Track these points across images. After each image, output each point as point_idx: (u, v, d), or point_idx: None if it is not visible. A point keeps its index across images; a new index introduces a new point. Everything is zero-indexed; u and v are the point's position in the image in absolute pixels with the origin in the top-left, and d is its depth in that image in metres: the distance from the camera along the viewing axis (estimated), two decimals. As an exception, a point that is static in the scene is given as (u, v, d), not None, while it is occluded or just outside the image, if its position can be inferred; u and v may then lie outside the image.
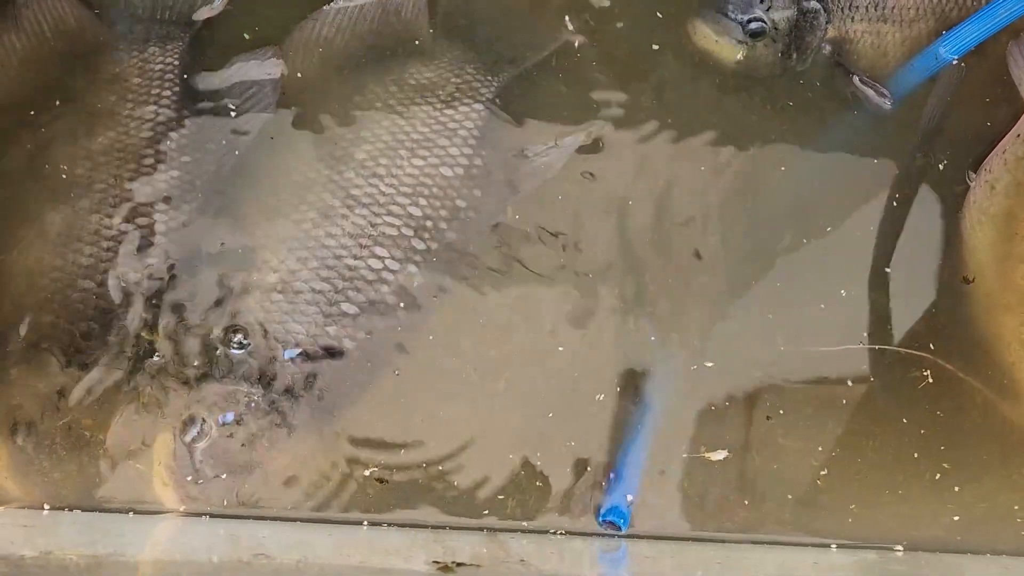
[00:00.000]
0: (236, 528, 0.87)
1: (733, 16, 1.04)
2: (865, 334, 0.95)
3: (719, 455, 0.88)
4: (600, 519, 0.86)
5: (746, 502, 0.90)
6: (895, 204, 1.03)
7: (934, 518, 0.89)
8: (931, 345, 0.96)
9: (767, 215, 1.03)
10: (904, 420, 0.92)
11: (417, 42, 1.04)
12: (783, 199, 1.03)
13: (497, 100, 1.02)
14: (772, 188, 1.03)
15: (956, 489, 0.90)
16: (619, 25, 1.08)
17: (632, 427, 0.91)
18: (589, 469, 0.90)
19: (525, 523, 0.88)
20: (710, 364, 0.94)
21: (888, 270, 1.00)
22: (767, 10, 1.03)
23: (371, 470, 0.87)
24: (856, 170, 1.06)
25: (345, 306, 0.89)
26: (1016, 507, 0.90)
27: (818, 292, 0.97)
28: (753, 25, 1.03)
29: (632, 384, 0.93)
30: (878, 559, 0.88)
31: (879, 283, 0.99)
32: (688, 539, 0.90)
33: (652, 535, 0.89)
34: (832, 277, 0.98)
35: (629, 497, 0.89)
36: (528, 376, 0.93)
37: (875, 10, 1.05)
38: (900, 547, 0.86)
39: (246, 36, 1.02)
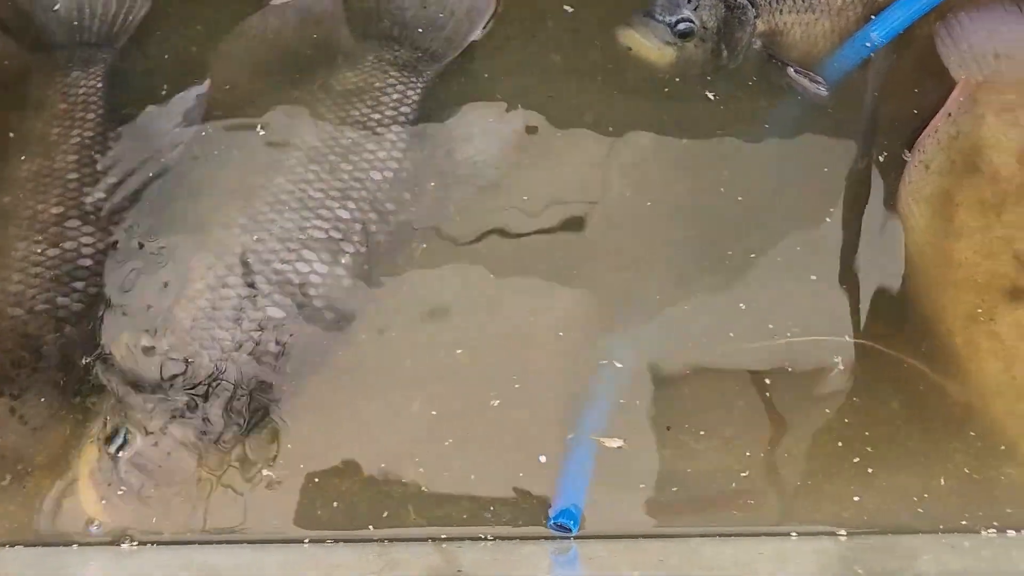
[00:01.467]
0: (184, 554, 0.83)
1: (661, 18, 1.04)
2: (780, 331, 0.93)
3: (615, 443, 0.86)
4: (550, 522, 0.83)
5: (697, 496, 0.87)
6: (833, 191, 1.02)
7: (873, 502, 0.86)
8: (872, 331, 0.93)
9: (706, 214, 1.01)
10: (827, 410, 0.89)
11: (340, 47, 1.03)
12: (725, 198, 1.01)
13: (424, 100, 1.01)
14: (713, 186, 1.02)
15: (889, 472, 0.87)
16: (549, 24, 1.06)
17: (579, 427, 0.88)
18: (537, 472, 0.87)
19: (474, 531, 0.85)
20: (649, 362, 0.91)
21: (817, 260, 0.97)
22: (695, 9, 1.03)
23: (303, 481, 0.84)
24: (797, 159, 1.06)
25: (272, 310, 0.87)
26: (967, 470, 0.87)
27: (749, 286, 0.95)
28: (681, 26, 1.03)
29: (578, 384, 0.90)
30: (834, 545, 0.86)
31: (822, 273, 0.97)
32: (642, 536, 0.87)
33: (605, 535, 0.86)
34: (763, 272, 0.96)
35: (578, 499, 0.86)
36: (467, 378, 0.90)
37: (803, 1, 1.06)
38: (843, 532, 0.83)
39: (166, 56, 1.01)
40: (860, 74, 1.08)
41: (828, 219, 0.99)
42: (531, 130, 1.02)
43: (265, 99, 1.01)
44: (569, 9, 1.10)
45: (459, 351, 0.90)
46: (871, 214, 1.01)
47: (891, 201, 1.01)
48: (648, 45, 1.03)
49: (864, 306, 0.95)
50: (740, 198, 0.99)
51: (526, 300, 0.93)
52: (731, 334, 0.91)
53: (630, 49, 1.05)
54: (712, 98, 1.05)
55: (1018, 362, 0.96)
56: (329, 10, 1.06)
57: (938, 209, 1.02)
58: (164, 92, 1.01)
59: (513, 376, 0.90)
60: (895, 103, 1.06)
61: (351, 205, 0.93)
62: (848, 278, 0.96)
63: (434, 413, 0.87)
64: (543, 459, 0.87)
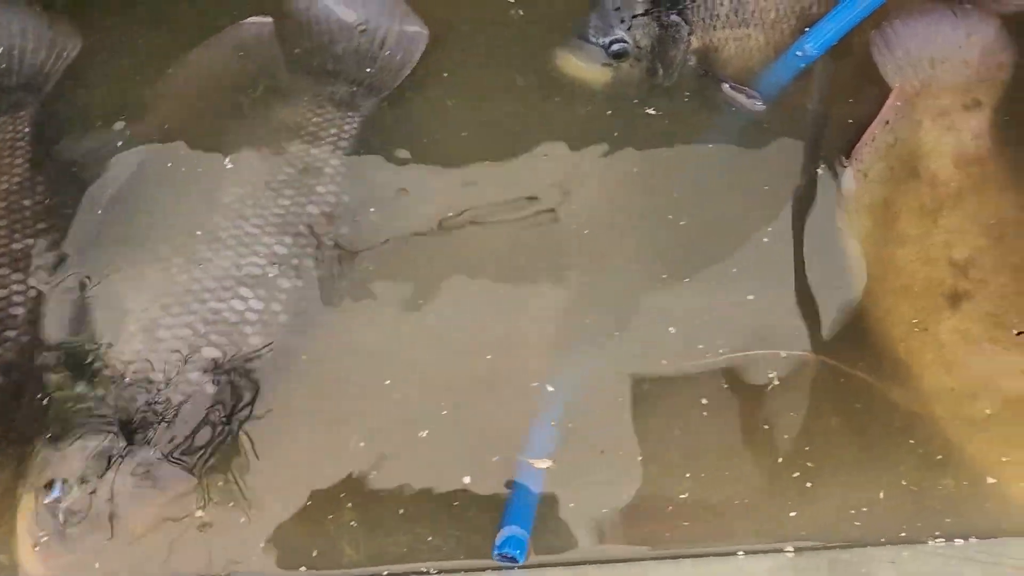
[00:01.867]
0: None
1: (595, 40, 1.04)
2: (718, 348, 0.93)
3: (543, 464, 0.86)
4: (496, 552, 0.83)
5: (642, 519, 0.86)
6: (774, 204, 1.02)
7: (814, 517, 0.86)
8: (815, 344, 0.93)
9: (650, 235, 1.01)
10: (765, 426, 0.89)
11: (276, 83, 1.03)
12: (666, 219, 1.01)
13: (362, 132, 1.01)
14: (655, 207, 1.02)
15: (830, 486, 0.87)
16: (489, 47, 1.07)
17: (525, 452, 0.88)
18: (480, 500, 0.86)
19: (415, 566, 0.84)
20: (586, 386, 0.91)
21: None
22: (628, 30, 1.04)
23: (244, 519, 0.84)
24: (738, 175, 1.06)
25: (207, 350, 0.87)
26: (905, 482, 0.87)
27: (685, 307, 0.95)
28: (615, 47, 1.03)
29: (519, 409, 0.89)
30: (789, 561, 0.85)
31: (761, 290, 0.96)
32: (591, 562, 0.86)
33: (551, 563, 0.85)
34: (701, 292, 0.96)
35: (526, 527, 0.85)
36: (409, 409, 0.90)
37: (736, 16, 1.06)
38: (790, 549, 0.83)
39: (98, 96, 1.01)
40: (799, 86, 1.07)
41: (768, 234, 0.98)
42: (473, 154, 1.00)
43: (201, 137, 1.00)
44: (508, 33, 1.09)
45: (388, 382, 0.89)
46: (812, 226, 1.00)
47: (831, 212, 1.01)
48: (584, 67, 1.04)
49: (806, 319, 0.95)
50: (682, 222, 0.99)
51: (461, 329, 0.92)
52: (663, 361, 0.89)
53: (567, 72, 1.04)
54: (653, 114, 1.05)
55: (958, 367, 0.95)
56: (265, 47, 1.06)
57: (878, 217, 1.02)
58: (96, 133, 1.00)
59: (445, 406, 0.89)
60: (833, 113, 1.07)
61: (288, 240, 0.93)
62: (788, 292, 0.95)
63: (362, 445, 0.86)
64: (487, 484, 0.85)
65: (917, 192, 1.02)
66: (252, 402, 0.87)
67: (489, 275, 0.95)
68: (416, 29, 1.06)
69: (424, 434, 0.87)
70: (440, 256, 0.96)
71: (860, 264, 1.00)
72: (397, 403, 0.88)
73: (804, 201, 1.02)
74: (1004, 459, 0.93)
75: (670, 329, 0.91)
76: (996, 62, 1.07)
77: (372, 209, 0.98)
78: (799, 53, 1.04)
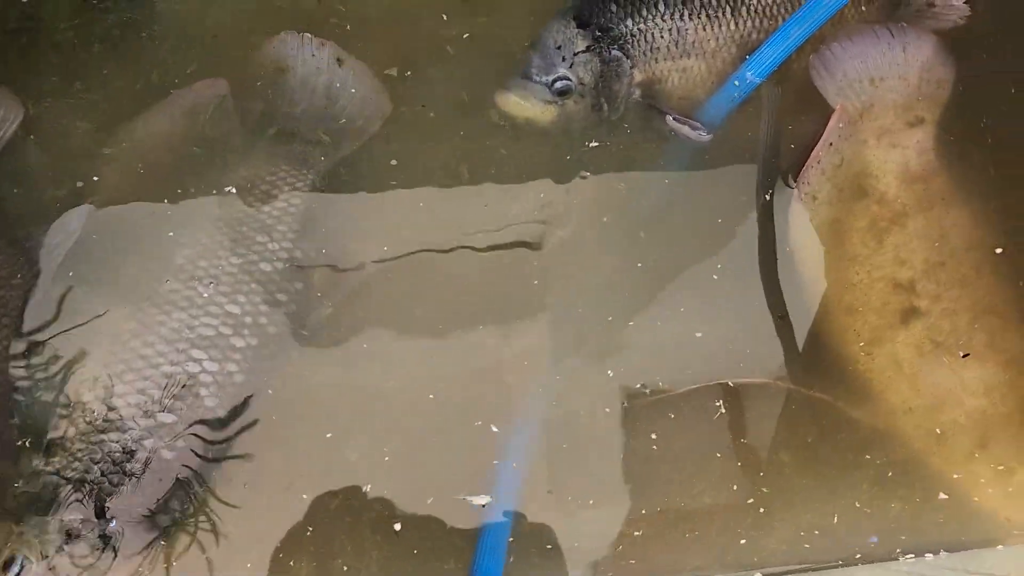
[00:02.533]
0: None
1: (538, 79, 1.05)
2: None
3: (481, 499, 0.85)
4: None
5: (598, 557, 0.86)
6: (726, 230, 1.02)
7: (771, 542, 0.86)
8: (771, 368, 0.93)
9: (607, 271, 1.01)
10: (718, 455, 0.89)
11: (230, 142, 1.03)
12: (621, 255, 1.01)
13: (318, 189, 1.01)
14: (610, 244, 1.03)
15: (784, 510, 0.87)
16: (430, 114, 1.07)
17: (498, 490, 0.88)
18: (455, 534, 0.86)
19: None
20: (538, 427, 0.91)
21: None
22: (570, 67, 1.04)
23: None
24: (689, 204, 1.06)
25: (162, 416, 0.86)
26: (858, 504, 0.86)
27: (637, 341, 0.96)
28: (559, 84, 1.04)
29: (483, 454, 0.90)
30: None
31: (712, 319, 0.97)
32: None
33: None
34: (653, 326, 0.97)
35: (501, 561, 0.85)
36: (368, 463, 0.90)
37: (676, 48, 1.07)
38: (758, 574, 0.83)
39: (46, 163, 1.01)
40: (744, 113, 1.08)
41: (720, 264, 0.98)
42: (426, 199, 1.01)
43: (153, 200, 1.01)
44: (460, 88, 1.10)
45: (329, 434, 0.89)
46: (763, 251, 1.00)
47: (782, 235, 1.01)
48: (528, 106, 1.04)
49: (761, 345, 0.95)
50: (637, 258, 0.99)
51: (410, 378, 0.92)
52: (609, 402, 0.89)
53: (511, 112, 1.05)
54: (599, 148, 1.05)
55: (921, 379, 0.96)
56: (218, 108, 1.06)
57: (830, 238, 1.03)
58: (44, 200, 1.00)
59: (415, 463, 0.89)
60: (779, 138, 1.07)
61: (241, 299, 0.93)
62: (742, 320, 0.95)
63: (304, 496, 0.85)
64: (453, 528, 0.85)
65: (866, 211, 1.03)
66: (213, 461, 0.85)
67: (443, 318, 0.94)
68: (379, 97, 1.06)
69: (380, 480, 0.85)
70: (393, 302, 0.95)
71: (814, 286, 1.00)
72: (352, 453, 0.87)
73: (755, 227, 1.02)
74: (970, 470, 0.92)
75: (612, 370, 0.91)
76: (936, 78, 1.08)
77: (326, 262, 0.97)
78: (736, 83, 1.05)
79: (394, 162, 1.05)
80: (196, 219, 0.99)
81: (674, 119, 1.06)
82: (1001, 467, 0.93)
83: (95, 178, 1.01)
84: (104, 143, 1.04)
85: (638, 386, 0.91)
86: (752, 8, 1.07)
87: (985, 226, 1.02)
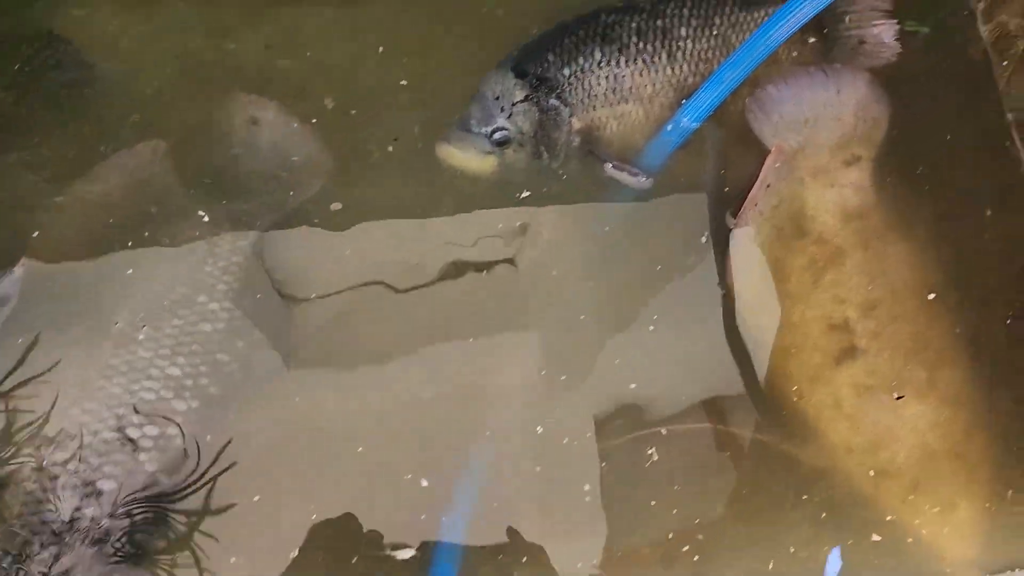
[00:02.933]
0: None
1: (477, 130, 1.06)
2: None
3: (406, 554, 0.86)
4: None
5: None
6: (667, 275, 1.03)
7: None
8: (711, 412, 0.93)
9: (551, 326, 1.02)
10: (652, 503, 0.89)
11: (170, 203, 1.04)
12: (562, 299, 1.02)
13: (259, 248, 1.02)
14: (549, 288, 1.03)
15: (722, 558, 0.87)
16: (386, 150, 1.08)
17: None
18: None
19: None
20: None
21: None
22: (508, 117, 1.05)
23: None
24: (631, 252, 1.06)
25: (102, 483, 0.86)
26: (793, 549, 0.87)
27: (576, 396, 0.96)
28: (497, 135, 1.05)
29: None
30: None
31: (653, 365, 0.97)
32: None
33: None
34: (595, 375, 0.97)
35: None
36: (298, 522, 0.89)
37: (613, 94, 1.08)
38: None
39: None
40: (683, 157, 1.09)
41: (658, 309, 0.99)
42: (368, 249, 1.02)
43: (92, 263, 1.01)
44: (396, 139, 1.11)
45: (257, 498, 0.88)
46: (703, 294, 1.01)
47: (722, 277, 1.02)
48: (467, 157, 1.05)
49: (702, 389, 0.95)
50: (576, 307, 0.99)
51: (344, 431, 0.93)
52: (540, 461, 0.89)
53: (451, 162, 1.05)
54: (534, 197, 1.06)
55: (860, 418, 0.96)
56: (156, 170, 1.07)
57: (772, 277, 1.04)
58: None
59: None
60: (717, 180, 1.08)
61: (181, 361, 0.93)
62: (683, 365, 0.96)
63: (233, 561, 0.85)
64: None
65: (805, 250, 1.04)
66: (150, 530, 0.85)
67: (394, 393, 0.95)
68: (321, 154, 1.07)
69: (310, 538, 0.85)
70: (337, 358, 0.96)
71: (755, 327, 1.00)
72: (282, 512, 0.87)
73: (695, 271, 1.02)
74: (910, 507, 0.93)
75: (543, 425, 0.91)
76: (871, 117, 1.10)
77: (269, 324, 0.97)
78: (668, 128, 1.06)
79: (338, 205, 1.05)
80: (137, 280, 0.99)
81: (613, 166, 1.06)
82: (940, 505, 0.93)
83: (32, 244, 1.00)
84: (42, 203, 1.03)
85: (565, 440, 0.91)
86: (688, 53, 1.09)
87: (923, 264, 1.03)
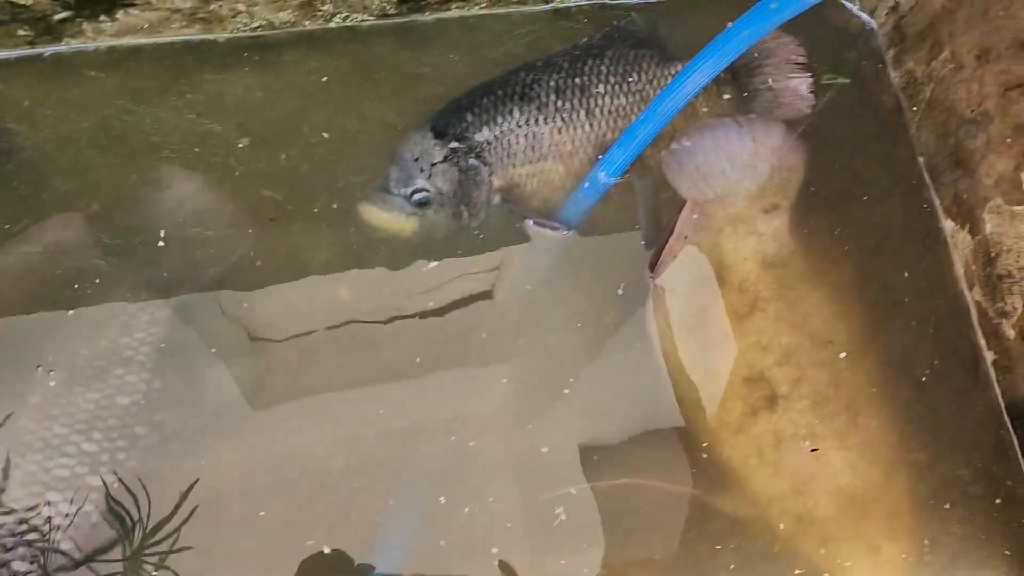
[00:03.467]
0: None
1: (397, 192, 1.06)
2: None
3: None
4: None
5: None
6: (589, 330, 1.03)
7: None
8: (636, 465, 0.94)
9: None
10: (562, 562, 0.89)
11: (91, 274, 1.03)
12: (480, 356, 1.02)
13: (179, 317, 1.01)
14: (471, 347, 1.03)
15: None
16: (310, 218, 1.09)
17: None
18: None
19: None
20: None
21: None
22: (428, 178, 1.06)
23: None
24: (550, 307, 1.07)
25: (17, 564, 0.85)
26: None
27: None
28: (417, 196, 1.05)
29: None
30: None
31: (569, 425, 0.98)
32: None
33: None
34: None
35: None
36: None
37: (533, 152, 1.09)
38: None
39: None
40: (603, 211, 1.10)
41: (581, 366, 0.99)
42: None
43: (7, 337, 0.99)
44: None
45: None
46: (625, 347, 1.01)
47: (645, 330, 1.02)
48: (388, 218, 1.06)
49: (623, 444, 0.95)
50: (504, 380, 0.99)
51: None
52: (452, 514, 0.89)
53: (372, 224, 1.06)
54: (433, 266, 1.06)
55: (782, 465, 0.97)
56: (75, 241, 1.06)
57: (691, 328, 1.04)
58: None
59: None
60: (637, 232, 1.09)
61: (97, 435, 0.92)
62: (603, 421, 0.96)
63: None
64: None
65: (729, 298, 1.05)
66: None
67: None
68: (242, 227, 1.07)
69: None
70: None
71: (678, 378, 1.01)
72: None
73: (616, 326, 1.03)
74: (835, 552, 0.93)
75: (445, 496, 0.91)
76: (787, 165, 1.11)
77: (189, 393, 0.96)
78: (585, 184, 1.07)
79: (259, 263, 1.05)
80: (52, 354, 0.98)
81: (534, 222, 1.07)
82: (862, 551, 0.94)
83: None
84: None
85: (467, 510, 0.91)
86: (606, 110, 1.10)
87: (841, 311, 1.04)
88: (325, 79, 1.15)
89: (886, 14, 1.19)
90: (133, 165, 1.11)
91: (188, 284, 1.04)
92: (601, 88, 1.11)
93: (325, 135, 1.13)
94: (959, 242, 1.08)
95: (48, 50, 1.14)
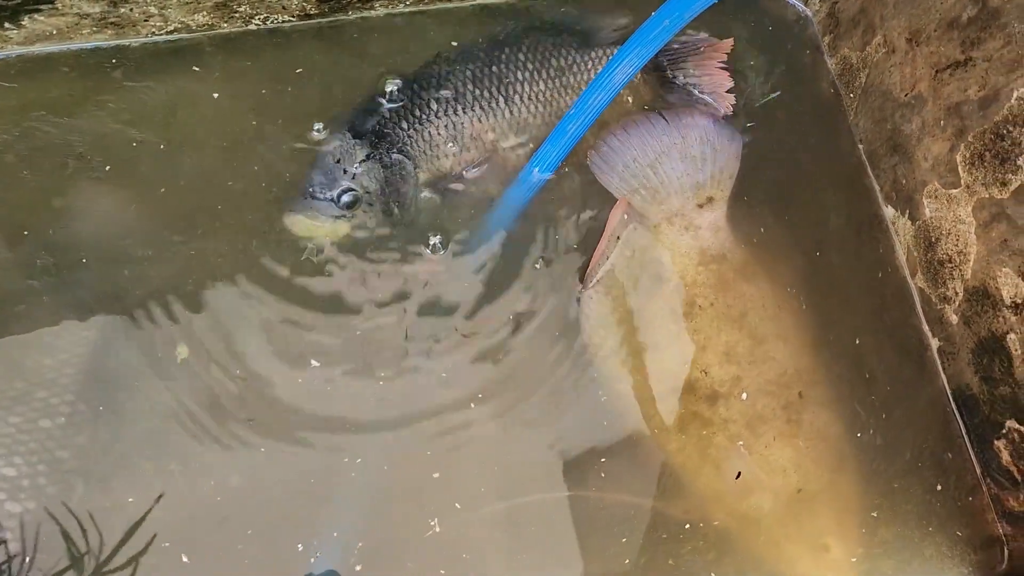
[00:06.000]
0: None
1: (322, 196, 1.03)
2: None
3: None
4: None
5: None
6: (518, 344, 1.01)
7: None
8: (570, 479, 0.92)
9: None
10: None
11: (10, 292, 1.01)
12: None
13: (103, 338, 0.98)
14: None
15: None
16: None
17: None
18: None
19: None
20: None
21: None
22: (352, 178, 1.03)
23: None
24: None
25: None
26: None
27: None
28: (345, 197, 1.03)
29: None
30: None
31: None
32: None
33: None
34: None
35: None
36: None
37: (455, 143, 1.07)
38: None
39: None
40: (538, 208, 1.08)
41: (515, 379, 0.97)
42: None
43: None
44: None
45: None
46: (560, 356, 0.99)
47: (580, 335, 1.00)
48: (317, 224, 1.03)
49: (555, 458, 0.93)
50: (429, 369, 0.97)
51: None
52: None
53: (301, 233, 1.03)
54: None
55: (726, 464, 0.95)
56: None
57: (630, 329, 1.02)
58: None
59: None
60: (571, 233, 1.07)
61: (18, 460, 0.90)
62: (537, 437, 0.94)
63: None
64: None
65: (668, 295, 1.03)
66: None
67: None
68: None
69: None
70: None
71: (615, 383, 0.99)
72: None
73: (548, 333, 1.01)
74: (784, 551, 0.91)
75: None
76: (722, 157, 1.09)
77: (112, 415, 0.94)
78: (534, 177, 1.05)
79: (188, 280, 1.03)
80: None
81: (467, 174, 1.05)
82: (812, 548, 0.92)
83: None
84: None
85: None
86: (525, 96, 1.08)
87: (783, 304, 1.02)
88: (240, 82, 1.12)
89: (820, 1, 1.17)
90: (57, 179, 1.07)
91: (114, 304, 1.01)
92: (519, 75, 1.09)
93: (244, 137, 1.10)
94: (900, 228, 1.07)
95: (-48, 62, 1.11)
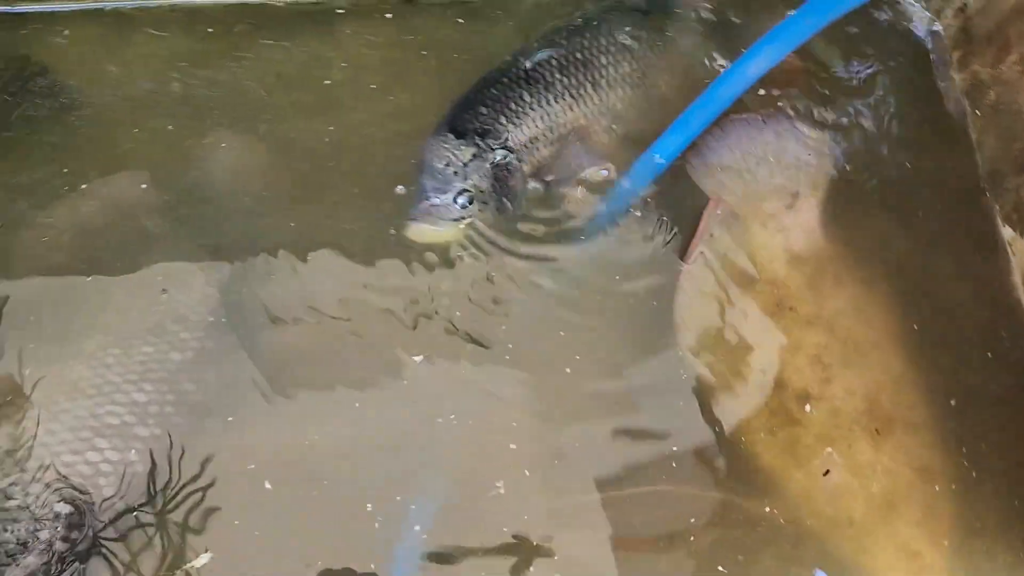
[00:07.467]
0: None
1: (439, 200, 1.06)
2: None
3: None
4: None
5: None
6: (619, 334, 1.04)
7: None
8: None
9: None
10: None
11: (149, 230, 1.07)
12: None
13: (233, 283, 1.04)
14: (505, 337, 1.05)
15: None
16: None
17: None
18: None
19: None
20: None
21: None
22: (465, 179, 1.06)
23: None
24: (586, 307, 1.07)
25: (59, 506, 0.88)
26: None
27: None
28: (461, 198, 1.06)
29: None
30: None
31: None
32: None
33: None
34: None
35: None
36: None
37: (552, 132, 1.11)
38: None
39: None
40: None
41: (609, 371, 1.00)
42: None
43: (70, 287, 1.03)
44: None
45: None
46: (655, 351, 1.02)
47: (669, 333, 1.02)
48: (440, 230, 1.06)
49: (651, 451, 0.96)
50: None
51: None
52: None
53: (424, 241, 1.07)
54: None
55: (814, 463, 0.96)
56: (138, 199, 1.09)
57: (721, 329, 1.03)
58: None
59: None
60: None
61: (148, 387, 0.95)
62: (632, 428, 0.97)
63: None
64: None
65: (763, 293, 1.04)
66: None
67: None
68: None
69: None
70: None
71: (705, 381, 1.01)
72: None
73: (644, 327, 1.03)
74: (875, 557, 0.93)
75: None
76: (815, 159, 1.10)
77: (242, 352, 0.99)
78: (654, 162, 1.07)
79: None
80: (111, 305, 1.01)
81: (579, 167, 1.08)
82: (903, 555, 0.93)
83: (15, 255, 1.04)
84: (24, 225, 1.07)
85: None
86: (610, 80, 1.10)
87: (880, 309, 1.03)
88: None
89: (952, 15, 1.17)
90: (193, 128, 1.12)
91: (244, 250, 1.05)
92: (603, 59, 1.12)
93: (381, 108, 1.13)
94: (1017, 249, 1.06)
95: (107, 4, 1.15)
